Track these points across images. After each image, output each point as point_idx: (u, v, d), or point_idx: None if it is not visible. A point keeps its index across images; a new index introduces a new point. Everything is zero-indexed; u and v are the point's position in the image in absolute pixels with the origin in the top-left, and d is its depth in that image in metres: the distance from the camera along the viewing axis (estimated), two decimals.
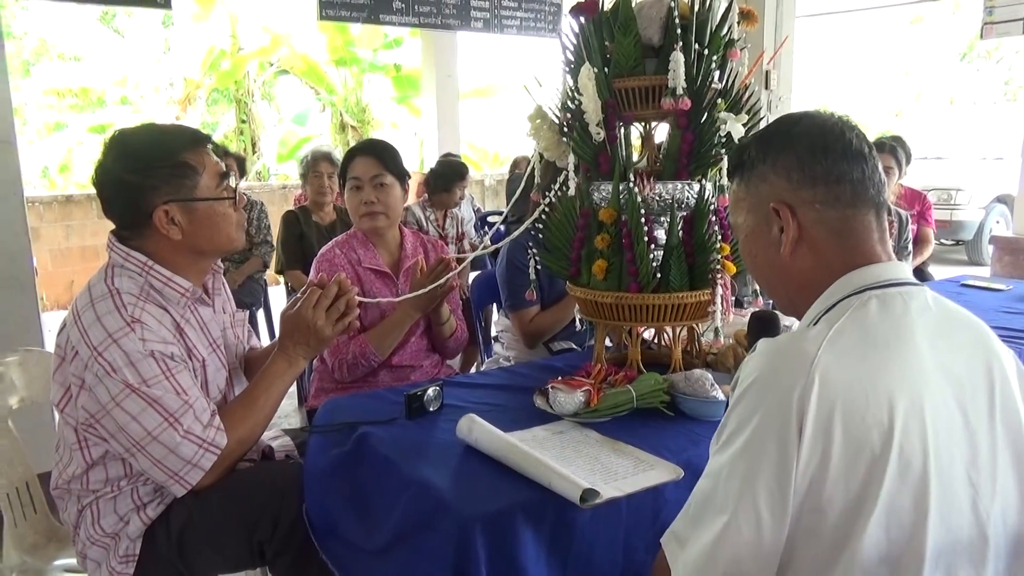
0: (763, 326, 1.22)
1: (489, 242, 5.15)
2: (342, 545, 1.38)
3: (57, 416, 1.50)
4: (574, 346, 2.47)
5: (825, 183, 0.99)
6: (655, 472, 1.33)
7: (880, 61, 15.94)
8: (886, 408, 0.86)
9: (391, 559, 1.28)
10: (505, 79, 11.44)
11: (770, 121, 1.09)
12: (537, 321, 2.42)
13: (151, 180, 1.42)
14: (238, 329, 1.76)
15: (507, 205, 5.41)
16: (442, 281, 1.95)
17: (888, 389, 0.87)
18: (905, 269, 1.00)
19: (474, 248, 4.76)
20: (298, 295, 1.61)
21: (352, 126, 10.67)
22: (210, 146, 1.53)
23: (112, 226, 1.54)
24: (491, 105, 11.62)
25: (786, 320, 1.64)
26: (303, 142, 10.46)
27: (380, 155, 2.18)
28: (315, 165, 3.94)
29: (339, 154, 4.25)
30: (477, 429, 1.40)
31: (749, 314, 2.05)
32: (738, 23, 1.67)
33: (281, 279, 3.99)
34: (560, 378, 1.63)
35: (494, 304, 2.85)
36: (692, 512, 0.95)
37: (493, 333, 2.84)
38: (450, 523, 1.19)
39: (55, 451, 1.53)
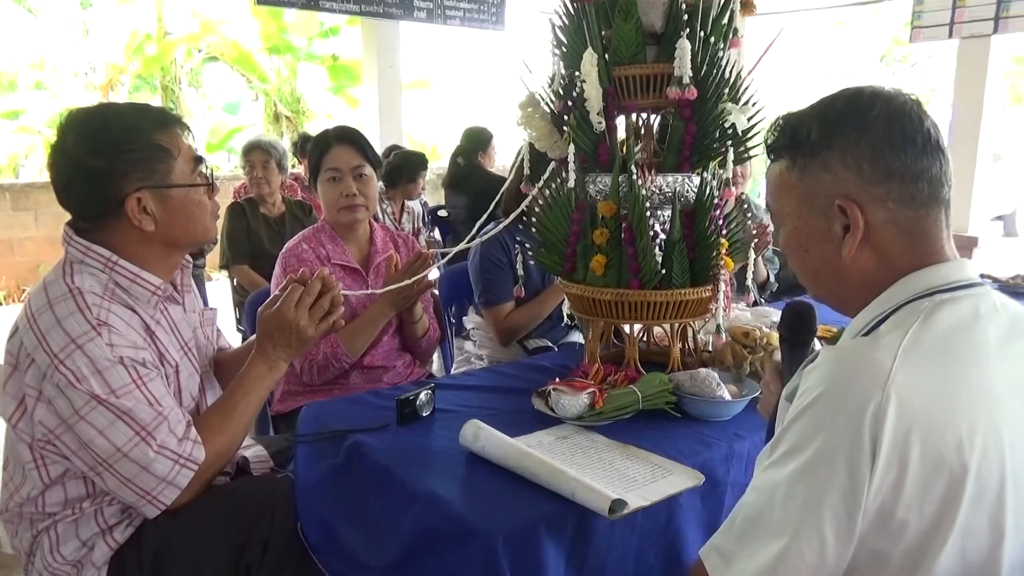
0: (799, 320, 1.16)
1: (439, 236, 5.09)
2: (345, 563, 1.27)
3: (6, 432, 1.32)
4: (549, 343, 2.40)
5: (901, 180, 0.89)
6: (675, 478, 1.27)
7: (808, 62, 16.45)
8: (965, 426, 0.81)
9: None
10: (443, 71, 11.29)
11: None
12: (513, 318, 2.33)
13: (121, 164, 1.27)
14: (207, 329, 1.61)
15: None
16: (421, 276, 1.85)
17: (966, 406, 0.82)
18: (971, 268, 0.93)
19: (429, 244, 4.66)
20: (277, 292, 1.48)
21: (287, 116, 10.32)
22: (180, 128, 1.38)
23: (66, 217, 1.37)
24: (429, 98, 11.45)
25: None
26: (234, 132, 10.07)
27: (359, 144, 2.05)
28: (247, 155, 3.76)
29: (279, 142, 4.06)
30: (484, 436, 1.31)
31: (742, 306, 2.02)
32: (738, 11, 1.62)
33: (214, 274, 3.76)
34: (558, 379, 1.55)
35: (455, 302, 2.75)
36: (738, 527, 0.89)
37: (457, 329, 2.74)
38: (472, 539, 1.10)
39: (3, 470, 1.36)
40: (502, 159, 6.17)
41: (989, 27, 6.07)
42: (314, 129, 8.18)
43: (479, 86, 13.52)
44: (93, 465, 1.24)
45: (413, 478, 1.27)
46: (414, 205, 4.82)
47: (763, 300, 2.82)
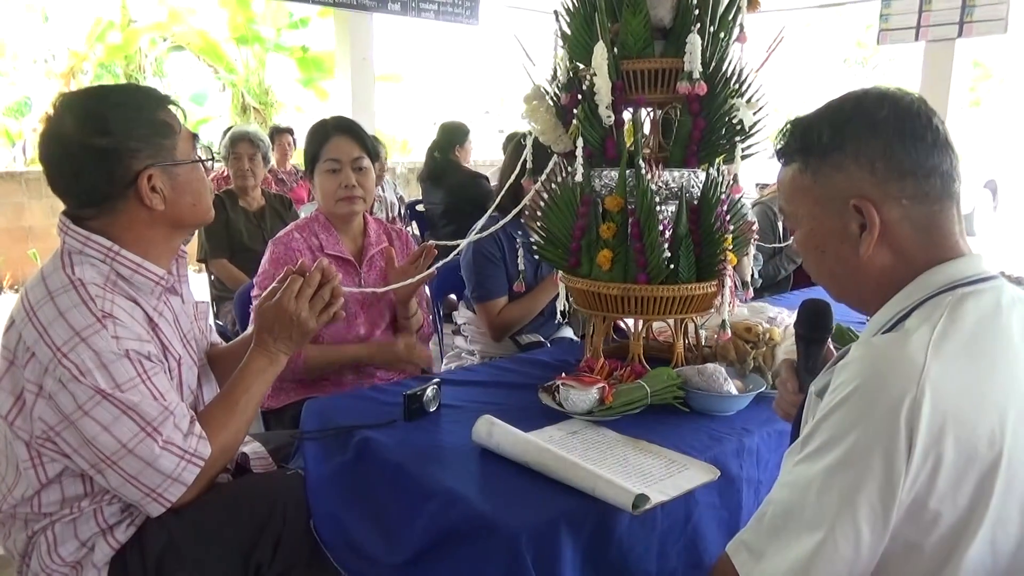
0: (817, 318, 1.17)
1: (418, 231, 5.05)
2: (361, 560, 1.25)
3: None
4: (542, 339, 2.39)
5: (915, 177, 0.91)
6: (691, 473, 1.27)
7: (777, 63, 16.68)
8: (996, 417, 0.82)
9: (422, 574, 1.16)
10: (413, 66, 11.22)
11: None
12: (506, 313, 2.32)
13: (131, 142, 1.23)
14: (202, 322, 1.57)
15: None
16: (428, 273, 1.82)
17: (996, 397, 0.83)
18: (985, 261, 0.94)
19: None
20: (275, 284, 1.45)
21: (255, 108, 10.14)
22: (174, 106, 1.35)
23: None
24: (399, 92, 11.37)
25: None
26: (202, 123, 9.88)
27: (359, 135, 2.01)
28: (233, 147, 3.68)
29: (264, 135, 3.99)
30: (498, 432, 1.29)
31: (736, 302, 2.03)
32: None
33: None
34: (563, 374, 1.54)
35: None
36: (768, 523, 0.89)
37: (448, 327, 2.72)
38: (494, 537, 1.08)
39: None
40: (475, 155, 6.14)
41: (954, 31, 6.22)
42: (283, 122, 8.05)
43: (450, 81, 13.46)
44: (95, 462, 1.19)
45: (427, 475, 1.25)
46: (387, 195, 4.76)
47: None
